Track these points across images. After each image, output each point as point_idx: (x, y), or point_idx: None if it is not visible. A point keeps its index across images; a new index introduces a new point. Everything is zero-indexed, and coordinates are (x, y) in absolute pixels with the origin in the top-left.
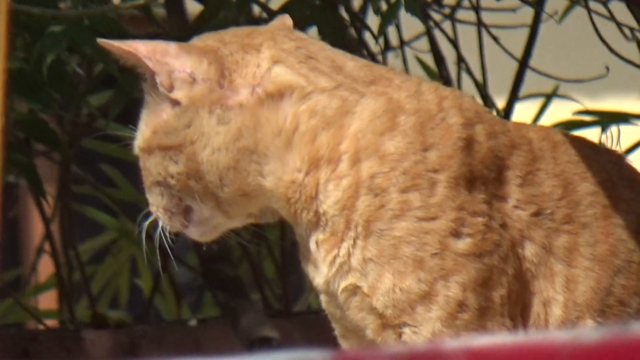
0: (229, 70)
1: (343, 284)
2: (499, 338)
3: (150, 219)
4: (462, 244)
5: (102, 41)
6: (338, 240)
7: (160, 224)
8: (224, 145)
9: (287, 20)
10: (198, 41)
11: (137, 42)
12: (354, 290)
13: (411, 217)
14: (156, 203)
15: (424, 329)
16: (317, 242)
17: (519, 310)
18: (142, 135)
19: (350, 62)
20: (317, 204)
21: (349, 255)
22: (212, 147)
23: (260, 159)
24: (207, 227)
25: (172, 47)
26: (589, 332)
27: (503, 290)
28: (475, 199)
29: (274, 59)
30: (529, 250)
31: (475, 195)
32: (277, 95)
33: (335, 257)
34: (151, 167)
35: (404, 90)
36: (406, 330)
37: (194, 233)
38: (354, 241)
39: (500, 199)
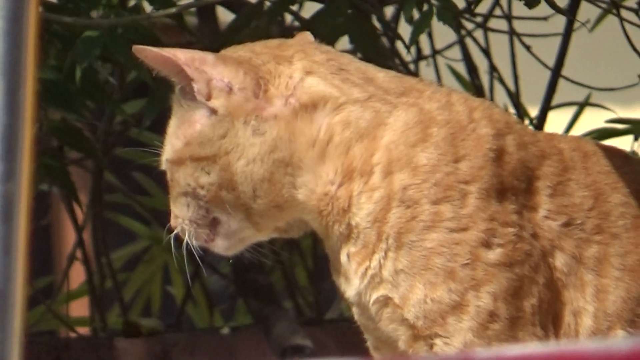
0: (264, 80)
1: (374, 296)
2: (530, 348)
3: (174, 232)
4: (493, 254)
5: (139, 47)
6: (369, 252)
7: (185, 236)
8: (259, 157)
9: (308, 36)
10: (229, 52)
11: (175, 49)
12: (386, 301)
13: (442, 228)
14: (182, 215)
15: (455, 339)
16: (348, 255)
17: (550, 320)
18: (173, 147)
19: (380, 74)
20: (349, 217)
21: (380, 267)
22: (247, 159)
23: (294, 171)
24: (233, 240)
25: (209, 56)
26: (620, 342)
27: (534, 300)
28: (506, 209)
29: (306, 70)
30: (560, 260)
31: (506, 206)
32: (311, 106)
33: (366, 269)
34: (180, 179)
35: (434, 102)
36: (437, 341)
37: (219, 246)
38: (385, 253)
39: (530, 209)
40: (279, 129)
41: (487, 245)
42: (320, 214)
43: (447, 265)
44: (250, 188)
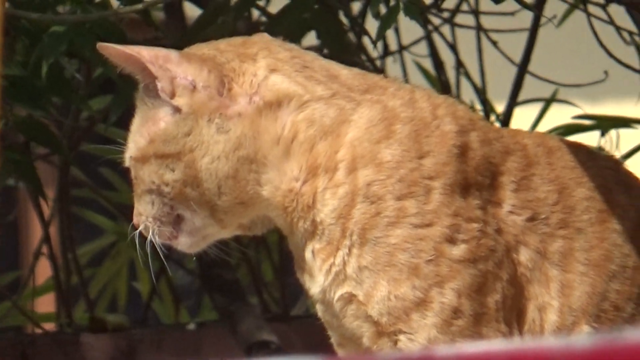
0: (228, 78)
1: (339, 293)
2: (492, 345)
3: (138, 230)
4: (457, 250)
5: (104, 45)
6: (334, 249)
7: (149, 234)
8: (223, 154)
9: (266, 37)
10: (193, 50)
11: (140, 47)
12: (350, 298)
13: (407, 224)
14: (146, 212)
15: (419, 336)
16: (313, 252)
17: (514, 316)
18: (136, 144)
19: (344, 71)
20: (314, 213)
21: (344, 263)
22: (212, 156)
23: (259, 168)
24: (197, 237)
25: (173, 54)
26: (583, 338)
27: (498, 296)
28: (470, 205)
29: (270, 68)
30: (524, 256)
31: (470, 202)
32: (275, 104)
33: (331, 266)
34: (144, 176)
35: (398, 99)
36: (402, 337)
37: (183, 243)
38: (350, 249)
39: (495, 205)
40: (243, 126)
41: (451, 241)
42: (285, 210)
43: (411, 262)
44: (214, 185)
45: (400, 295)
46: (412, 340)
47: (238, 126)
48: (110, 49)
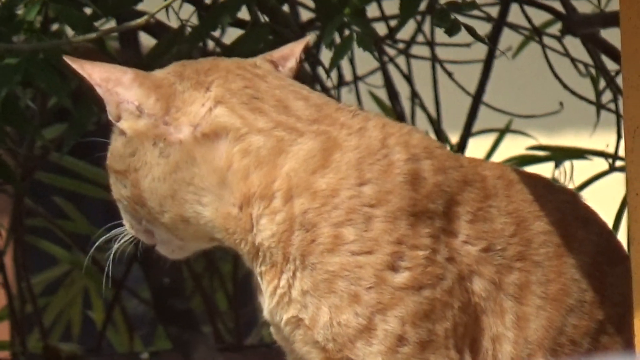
0: (177, 108)
1: (285, 316)
2: None
3: (123, 240)
4: (400, 278)
5: (67, 58)
6: (278, 271)
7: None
8: (162, 176)
9: (232, 63)
10: (164, 70)
11: (95, 66)
12: (297, 323)
13: (345, 251)
14: (125, 219)
15: None
16: (260, 274)
17: (467, 344)
18: (107, 155)
19: (299, 102)
20: (252, 236)
21: (289, 286)
22: (153, 176)
23: (197, 191)
24: (171, 246)
25: (127, 76)
26: None
27: (448, 324)
28: (417, 232)
29: (217, 100)
30: (478, 285)
31: (419, 229)
32: (213, 136)
33: (275, 288)
34: (112, 187)
35: (346, 129)
36: None
37: (163, 251)
38: (294, 273)
39: (449, 234)
40: (182, 153)
41: (393, 268)
42: (227, 231)
43: (350, 289)
44: (157, 203)
45: (342, 322)
46: None
47: (177, 153)
48: (70, 66)
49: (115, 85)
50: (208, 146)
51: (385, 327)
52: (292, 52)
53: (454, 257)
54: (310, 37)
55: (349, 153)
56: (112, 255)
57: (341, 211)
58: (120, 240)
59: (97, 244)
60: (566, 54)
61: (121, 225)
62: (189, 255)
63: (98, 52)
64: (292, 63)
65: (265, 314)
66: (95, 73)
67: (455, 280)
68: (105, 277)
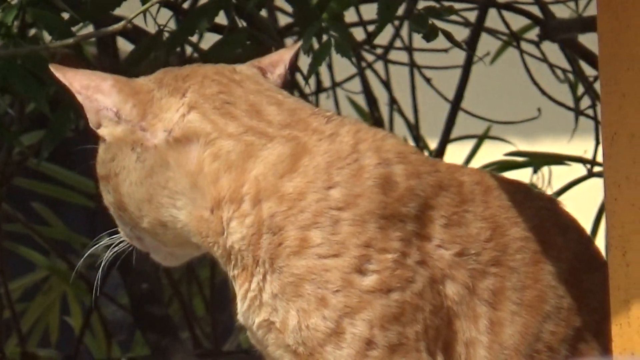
0: (153, 114)
1: (257, 320)
2: None
3: (119, 247)
4: (368, 281)
5: (52, 66)
6: (249, 274)
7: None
8: (139, 180)
9: (210, 69)
10: (147, 77)
11: (77, 74)
12: (269, 326)
13: (311, 254)
14: (119, 226)
15: None
16: (233, 277)
17: (439, 347)
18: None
19: (271, 107)
20: (224, 239)
21: (260, 289)
22: (131, 181)
23: (172, 194)
24: (162, 253)
25: (107, 83)
26: None
27: (418, 327)
28: (387, 235)
29: (190, 106)
30: (451, 289)
31: (388, 233)
32: (185, 141)
33: (247, 292)
34: (102, 193)
35: (317, 134)
36: None
37: (156, 257)
38: (264, 276)
39: (422, 238)
40: (157, 158)
41: (361, 271)
42: (201, 235)
43: (317, 292)
44: (136, 208)
45: (311, 325)
46: None
47: (152, 157)
48: (53, 74)
49: (94, 92)
50: (180, 151)
51: (354, 330)
52: (281, 58)
53: (426, 260)
54: (288, 42)
55: (318, 157)
56: (104, 262)
57: (308, 214)
58: (115, 247)
59: (90, 250)
60: (544, 59)
61: (113, 233)
62: (182, 263)
63: (76, 58)
64: (281, 69)
65: (239, 317)
66: (75, 81)
67: (427, 283)
68: (96, 283)
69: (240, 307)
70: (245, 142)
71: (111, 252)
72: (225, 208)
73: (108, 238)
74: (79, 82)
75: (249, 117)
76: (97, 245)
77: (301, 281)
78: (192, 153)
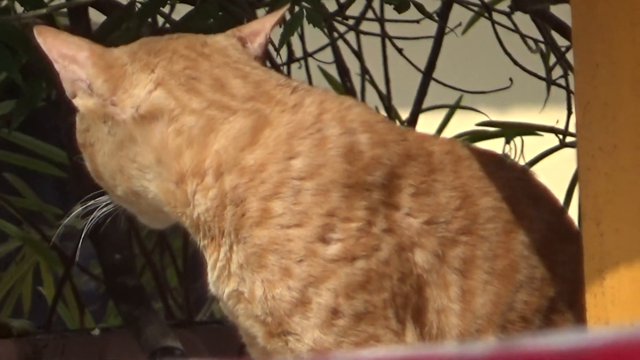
0: (124, 90)
1: (227, 290)
2: (383, 352)
3: (105, 208)
4: (331, 250)
5: (37, 29)
6: (217, 245)
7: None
8: (110, 152)
9: (182, 42)
10: (125, 47)
11: (56, 40)
12: (238, 296)
13: (274, 224)
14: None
15: (304, 337)
16: (203, 247)
17: (409, 314)
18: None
19: (236, 80)
20: (190, 211)
21: (227, 259)
22: (104, 152)
23: (141, 167)
24: (148, 217)
25: (83, 54)
26: (477, 346)
27: (386, 294)
28: (351, 204)
29: (157, 82)
30: (420, 257)
31: (353, 201)
32: (150, 117)
33: (216, 261)
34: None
35: (280, 105)
36: (290, 338)
37: (143, 220)
38: (230, 246)
39: (390, 206)
40: (125, 133)
41: (324, 240)
42: (170, 205)
43: (281, 262)
44: (109, 177)
45: (276, 296)
46: (299, 341)
47: (122, 132)
48: (35, 38)
49: (71, 62)
50: (146, 127)
51: (319, 300)
52: (263, 27)
53: (393, 228)
54: (260, 13)
55: (280, 129)
56: (92, 221)
57: (269, 185)
58: (101, 208)
59: (73, 214)
60: (516, 30)
61: (86, 202)
62: (168, 225)
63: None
64: (261, 38)
65: (210, 286)
66: (54, 49)
67: (394, 251)
68: (76, 250)
69: (211, 276)
70: (208, 116)
71: (100, 213)
72: (189, 182)
73: (81, 208)
74: (57, 50)
75: (212, 91)
76: (72, 214)
77: (264, 252)
78: (157, 129)
